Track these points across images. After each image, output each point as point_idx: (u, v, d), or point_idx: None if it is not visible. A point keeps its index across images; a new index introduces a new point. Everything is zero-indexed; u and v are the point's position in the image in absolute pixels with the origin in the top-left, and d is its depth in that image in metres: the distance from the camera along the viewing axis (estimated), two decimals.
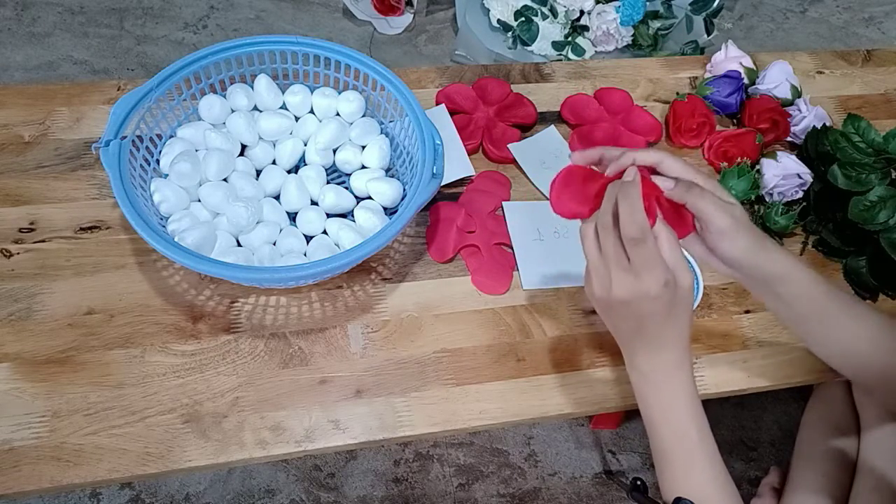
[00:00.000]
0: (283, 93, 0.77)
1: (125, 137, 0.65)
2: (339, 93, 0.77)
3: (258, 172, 0.74)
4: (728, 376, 0.69)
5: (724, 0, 1.60)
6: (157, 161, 0.71)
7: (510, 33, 1.62)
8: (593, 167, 0.56)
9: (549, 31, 1.61)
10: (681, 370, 0.54)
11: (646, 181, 0.52)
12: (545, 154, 0.83)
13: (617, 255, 0.50)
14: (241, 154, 0.75)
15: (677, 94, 0.91)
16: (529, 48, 1.63)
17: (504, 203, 0.78)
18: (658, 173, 0.54)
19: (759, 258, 0.55)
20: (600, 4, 1.58)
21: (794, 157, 0.81)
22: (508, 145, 0.82)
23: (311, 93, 0.77)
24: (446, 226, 0.75)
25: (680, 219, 0.53)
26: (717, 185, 0.54)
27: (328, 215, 0.72)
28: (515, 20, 1.61)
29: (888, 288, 0.77)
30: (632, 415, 1.22)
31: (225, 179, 0.71)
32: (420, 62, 1.71)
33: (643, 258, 0.49)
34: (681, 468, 0.54)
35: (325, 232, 0.70)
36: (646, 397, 0.56)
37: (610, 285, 0.51)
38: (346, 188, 0.74)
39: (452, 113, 0.84)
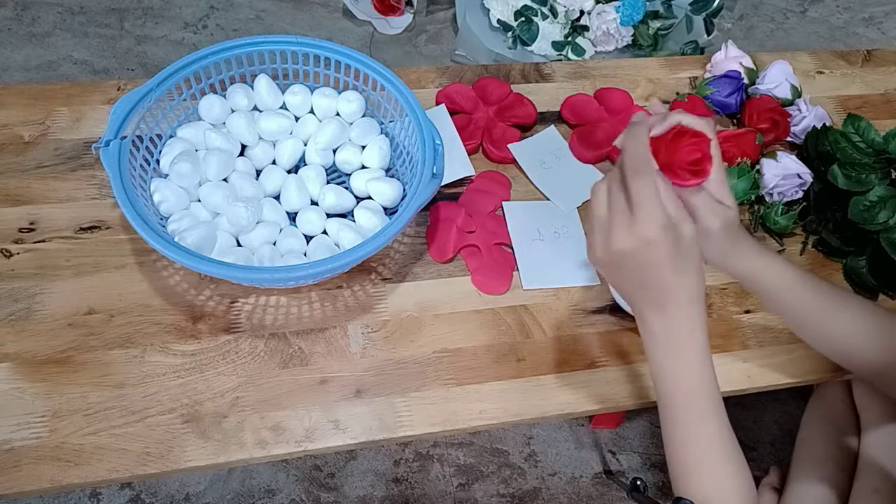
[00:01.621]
0: (283, 93, 0.77)
1: (125, 137, 0.64)
2: (339, 93, 0.77)
3: (258, 172, 0.74)
4: (728, 376, 0.69)
5: (724, 0, 1.60)
6: (157, 161, 0.71)
7: (510, 33, 1.62)
8: None
9: (549, 31, 1.61)
10: (691, 334, 0.51)
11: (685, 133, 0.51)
12: (545, 154, 0.83)
13: (620, 205, 0.49)
14: (241, 154, 0.75)
15: (677, 94, 0.91)
16: (529, 48, 1.62)
17: (504, 203, 0.78)
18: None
19: (731, 261, 0.56)
20: (600, 4, 1.58)
21: (794, 157, 0.81)
22: (508, 145, 0.82)
23: (311, 93, 0.77)
24: (446, 226, 0.75)
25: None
26: (723, 179, 0.53)
27: (328, 215, 0.72)
28: (515, 20, 1.61)
29: (888, 288, 0.77)
30: (632, 415, 1.22)
31: (225, 179, 0.71)
32: (420, 62, 1.71)
33: (641, 197, 0.48)
34: (691, 431, 0.53)
35: (325, 232, 0.70)
36: (655, 357, 0.53)
37: (610, 239, 0.49)
38: (346, 188, 0.74)
39: (452, 113, 0.84)
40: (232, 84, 0.76)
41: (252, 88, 0.76)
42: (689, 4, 1.58)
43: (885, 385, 0.63)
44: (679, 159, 0.50)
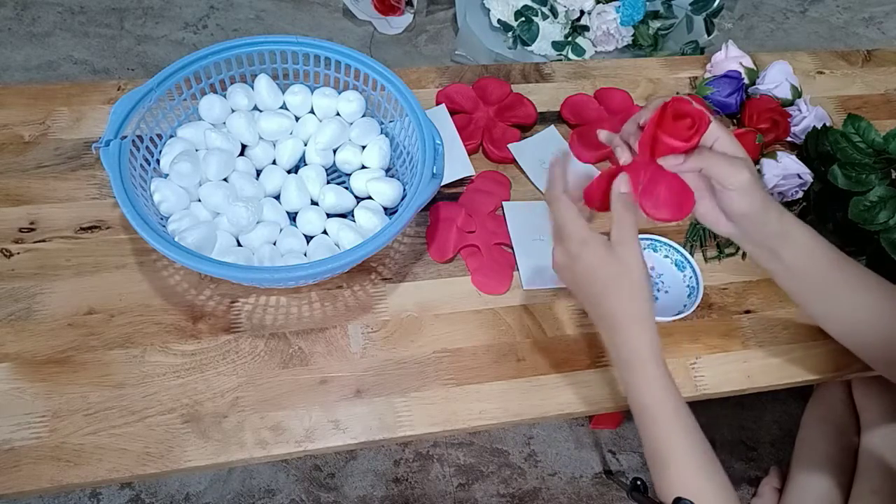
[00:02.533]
0: (284, 93, 0.77)
1: (125, 137, 0.65)
2: (339, 93, 0.77)
3: (258, 172, 0.74)
4: (728, 376, 0.69)
5: (724, 0, 1.60)
6: (157, 161, 0.71)
7: (510, 33, 1.62)
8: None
9: (549, 31, 1.61)
10: (638, 351, 0.54)
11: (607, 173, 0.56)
12: (545, 154, 0.83)
13: (553, 228, 0.56)
14: (242, 154, 0.75)
15: (677, 94, 0.91)
16: (529, 48, 1.63)
17: (504, 203, 0.78)
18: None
19: (769, 214, 0.56)
20: (600, 4, 1.58)
21: (794, 157, 0.81)
22: (508, 145, 0.82)
23: (312, 93, 0.77)
24: (446, 226, 0.75)
25: (678, 198, 0.55)
26: (731, 137, 0.55)
27: (328, 215, 0.72)
28: (515, 20, 1.61)
29: None
30: (632, 415, 1.22)
31: (225, 179, 0.71)
32: (420, 62, 1.71)
33: (561, 218, 0.55)
34: (662, 444, 0.55)
35: (325, 232, 0.70)
36: (616, 371, 0.58)
37: (552, 258, 0.57)
38: (346, 188, 0.74)
39: (452, 113, 0.84)
40: (232, 84, 0.76)
41: (252, 88, 0.76)
42: (690, 4, 1.58)
43: (886, 364, 0.61)
44: (672, 128, 0.53)
